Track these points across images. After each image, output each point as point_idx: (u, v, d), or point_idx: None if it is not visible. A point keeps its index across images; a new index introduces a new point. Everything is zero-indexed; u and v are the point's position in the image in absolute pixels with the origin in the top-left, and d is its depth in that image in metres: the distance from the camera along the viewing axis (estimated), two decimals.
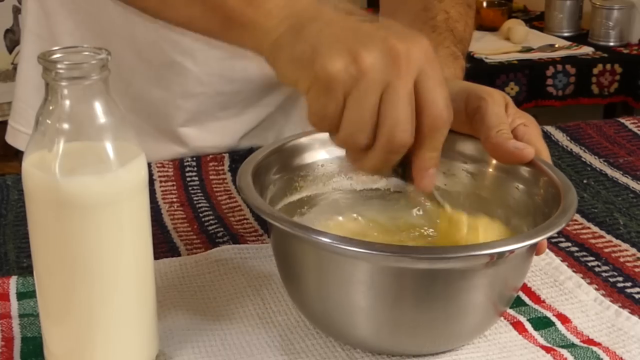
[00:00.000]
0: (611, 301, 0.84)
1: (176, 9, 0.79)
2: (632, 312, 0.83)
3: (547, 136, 1.27)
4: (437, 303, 0.73)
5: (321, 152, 0.86)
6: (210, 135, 1.23)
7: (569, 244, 0.96)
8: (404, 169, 0.76)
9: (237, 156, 1.18)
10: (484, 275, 0.73)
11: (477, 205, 0.86)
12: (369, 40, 0.70)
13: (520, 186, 0.84)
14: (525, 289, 0.86)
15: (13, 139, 1.24)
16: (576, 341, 0.79)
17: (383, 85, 0.70)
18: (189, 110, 1.20)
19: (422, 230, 0.87)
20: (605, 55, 2.94)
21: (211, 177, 1.14)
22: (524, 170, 0.83)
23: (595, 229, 1.00)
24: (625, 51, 2.99)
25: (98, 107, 0.66)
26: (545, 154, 0.85)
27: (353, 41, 0.70)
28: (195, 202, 1.07)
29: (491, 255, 0.71)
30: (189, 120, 1.21)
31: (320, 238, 0.70)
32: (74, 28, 1.16)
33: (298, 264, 0.76)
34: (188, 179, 1.13)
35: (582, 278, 0.88)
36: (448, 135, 0.86)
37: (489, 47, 2.96)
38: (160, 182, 1.12)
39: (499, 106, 0.85)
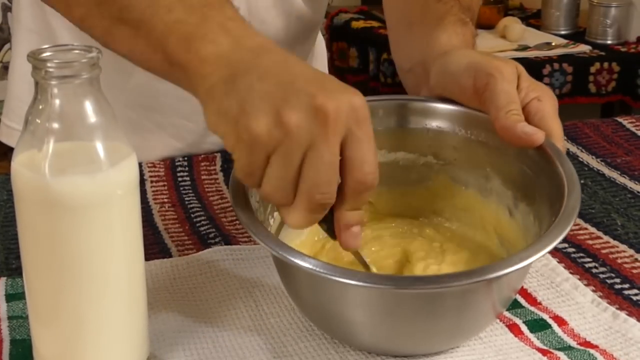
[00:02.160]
0: (608, 303, 0.84)
1: (120, 41, 0.78)
2: (630, 314, 0.82)
3: None
4: (435, 317, 0.73)
5: None
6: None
7: (566, 245, 0.95)
8: (329, 225, 0.74)
9: (229, 156, 1.17)
10: (484, 290, 0.72)
11: (487, 185, 0.85)
12: (297, 98, 0.68)
13: (529, 171, 0.82)
14: (522, 290, 0.86)
15: (7, 137, 1.23)
16: (573, 344, 0.78)
17: (307, 145, 0.68)
18: (190, 102, 1.19)
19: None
20: (603, 53, 2.93)
21: (203, 177, 1.13)
22: (533, 154, 0.81)
23: (592, 229, 0.99)
24: (623, 49, 2.98)
25: (88, 106, 0.66)
26: (557, 134, 0.82)
27: (280, 99, 0.68)
28: (186, 202, 1.06)
29: (489, 279, 0.70)
30: (189, 112, 1.20)
31: (313, 268, 0.69)
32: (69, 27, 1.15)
33: (294, 279, 0.76)
34: (179, 179, 1.13)
35: (579, 280, 0.88)
36: (460, 110, 0.86)
37: (484, 46, 2.95)
38: (152, 182, 1.12)
39: (508, 82, 0.83)
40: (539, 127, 0.82)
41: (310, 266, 0.69)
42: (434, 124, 0.88)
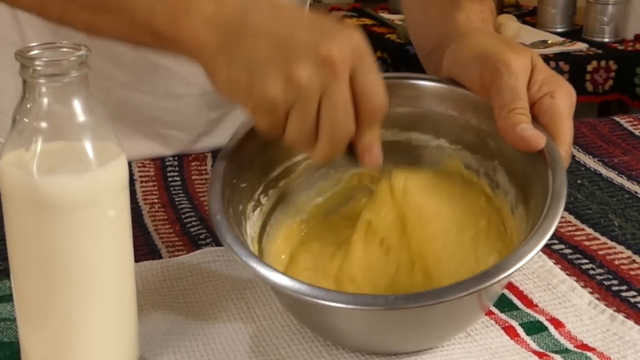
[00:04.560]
0: (606, 305, 0.83)
1: (105, 30, 0.78)
2: (627, 317, 0.81)
3: None
4: (425, 322, 0.73)
5: None
6: (201, 137, 1.21)
7: (563, 246, 0.94)
8: (352, 151, 0.77)
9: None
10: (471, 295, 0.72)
11: (494, 178, 0.84)
12: (301, 52, 0.71)
13: (529, 173, 0.79)
14: (518, 292, 0.85)
15: None
16: (570, 346, 0.78)
17: (321, 93, 0.72)
18: (177, 112, 1.18)
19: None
20: (600, 51, 2.93)
21: (193, 177, 1.13)
22: (534, 157, 0.78)
23: (589, 230, 0.98)
24: (621, 47, 2.98)
25: (77, 105, 0.65)
26: (564, 137, 0.78)
27: (285, 57, 0.71)
28: (177, 203, 1.06)
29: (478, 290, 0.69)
30: (177, 122, 1.19)
31: (295, 289, 0.69)
32: (47, 37, 1.12)
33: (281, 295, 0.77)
34: (170, 179, 1.12)
35: (576, 281, 0.87)
36: (472, 97, 0.84)
37: None
38: (141, 182, 1.11)
39: (515, 78, 0.79)
40: (548, 126, 0.79)
41: (294, 287, 0.69)
42: (448, 108, 0.86)
